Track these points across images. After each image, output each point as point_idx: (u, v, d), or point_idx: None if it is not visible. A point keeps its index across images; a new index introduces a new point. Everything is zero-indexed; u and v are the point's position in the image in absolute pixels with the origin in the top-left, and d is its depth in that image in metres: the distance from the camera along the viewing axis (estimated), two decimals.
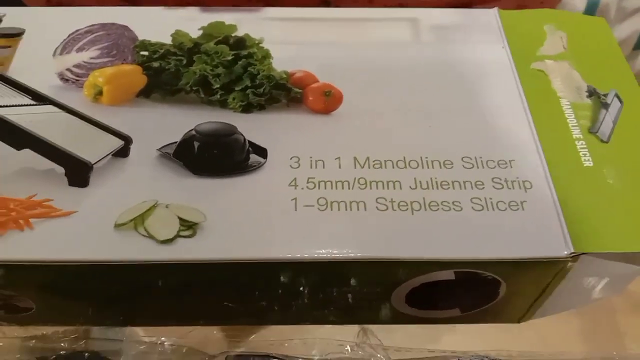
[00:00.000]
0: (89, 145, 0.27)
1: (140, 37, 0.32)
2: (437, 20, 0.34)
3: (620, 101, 0.31)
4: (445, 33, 0.34)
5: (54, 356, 0.27)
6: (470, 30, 0.34)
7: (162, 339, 0.24)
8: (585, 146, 0.29)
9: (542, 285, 0.27)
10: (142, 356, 0.24)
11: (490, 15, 0.34)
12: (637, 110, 0.31)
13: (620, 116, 0.30)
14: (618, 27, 0.63)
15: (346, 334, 0.30)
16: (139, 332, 0.26)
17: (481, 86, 0.31)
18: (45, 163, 0.27)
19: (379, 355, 0.28)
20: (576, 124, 0.29)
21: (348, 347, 0.27)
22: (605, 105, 0.30)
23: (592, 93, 0.31)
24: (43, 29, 0.33)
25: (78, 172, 0.26)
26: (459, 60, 0.32)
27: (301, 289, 0.27)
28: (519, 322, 0.31)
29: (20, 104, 0.29)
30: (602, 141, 0.29)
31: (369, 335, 0.29)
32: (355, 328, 0.30)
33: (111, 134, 0.28)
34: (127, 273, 0.25)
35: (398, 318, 0.30)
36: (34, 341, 0.26)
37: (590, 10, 0.67)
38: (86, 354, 0.28)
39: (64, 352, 0.27)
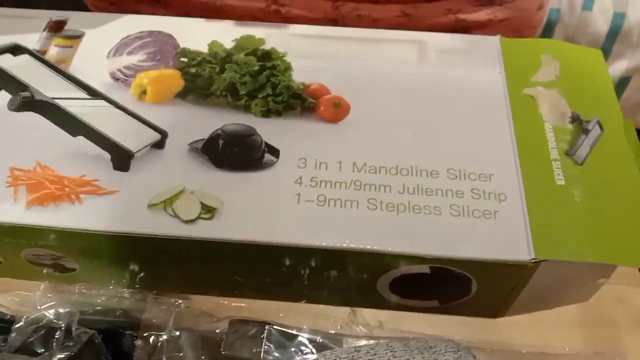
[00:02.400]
0: (132, 137, 0.32)
1: (182, 45, 0.37)
2: (442, 44, 0.38)
3: (601, 128, 0.34)
4: (448, 56, 0.38)
5: (91, 310, 0.33)
6: (471, 55, 0.38)
7: (180, 301, 0.29)
8: (560, 167, 0.32)
9: (509, 285, 0.31)
10: (162, 314, 0.29)
11: (492, 42, 0.38)
12: (616, 138, 0.34)
13: (598, 142, 0.34)
14: None
15: (339, 314, 0.34)
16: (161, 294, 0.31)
17: (474, 107, 0.35)
18: (94, 149, 0.32)
19: (363, 330, 0.32)
20: (555, 146, 0.33)
21: (339, 325, 0.32)
22: (586, 131, 0.34)
23: (575, 119, 0.34)
24: (100, 33, 0.38)
25: (121, 159, 0.32)
26: (457, 81, 0.36)
27: (300, 270, 0.32)
28: (494, 317, 0.35)
29: (77, 97, 0.35)
30: (576, 163, 0.32)
31: (357, 316, 0.34)
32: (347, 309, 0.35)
33: (151, 128, 0.33)
34: (155, 245, 0.30)
35: (384, 304, 0.34)
36: (76, 296, 0.32)
37: (614, 32, 0.69)
38: (118, 312, 0.33)
39: (100, 307, 0.33)
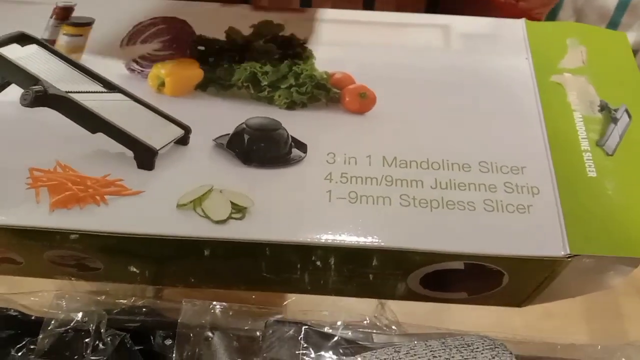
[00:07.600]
0: (154, 133, 0.31)
1: (197, 32, 0.36)
2: (467, 28, 0.37)
3: (630, 117, 0.34)
4: (473, 41, 0.36)
5: (117, 309, 0.32)
6: (497, 40, 0.37)
7: (214, 302, 0.29)
8: (591, 158, 0.32)
9: (540, 278, 0.31)
10: (196, 315, 0.29)
11: (517, 26, 0.37)
12: None
13: (627, 131, 0.33)
14: None
15: (366, 306, 0.34)
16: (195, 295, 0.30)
17: (503, 95, 0.34)
18: (116, 146, 0.31)
19: (393, 328, 0.32)
20: (585, 137, 0.33)
21: (367, 319, 0.32)
22: (615, 120, 0.33)
23: (603, 107, 0.34)
24: (110, 18, 0.37)
25: (145, 157, 0.30)
26: (485, 69, 0.35)
27: (330, 267, 0.31)
28: (519, 306, 0.35)
29: (92, 90, 0.33)
30: (607, 154, 0.32)
31: (386, 309, 0.34)
32: (373, 301, 0.35)
33: (173, 123, 0.32)
34: (183, 245, 0.29)
35: (412, 296, 0.34)
36: (103, 296, 0.31)
37: (624, 3, 0.68)
38: (144, 309, 0.33)
39: (126, 307, 0.32)
